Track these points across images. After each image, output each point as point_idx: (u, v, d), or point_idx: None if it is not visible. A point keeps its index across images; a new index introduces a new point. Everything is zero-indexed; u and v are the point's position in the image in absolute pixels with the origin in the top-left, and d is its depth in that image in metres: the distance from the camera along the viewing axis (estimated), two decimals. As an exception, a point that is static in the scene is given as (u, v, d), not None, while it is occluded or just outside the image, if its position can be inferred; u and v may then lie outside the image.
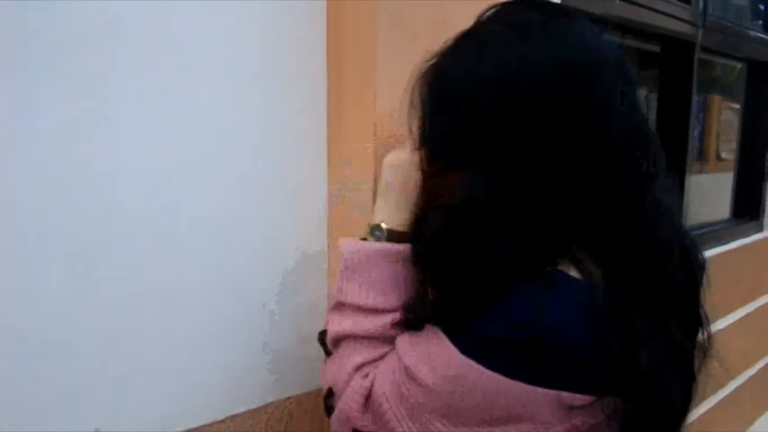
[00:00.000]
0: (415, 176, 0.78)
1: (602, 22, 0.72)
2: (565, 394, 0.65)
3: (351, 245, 0.80)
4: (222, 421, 0.95)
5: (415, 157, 0.77)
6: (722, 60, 2.82)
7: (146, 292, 0.86)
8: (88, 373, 0.82)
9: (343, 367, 0.78)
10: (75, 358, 0.80)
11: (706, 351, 0.75)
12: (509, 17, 0.72)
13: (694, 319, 0.75)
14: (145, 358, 0.87)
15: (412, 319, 0.75)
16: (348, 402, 0.75)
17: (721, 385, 2.59)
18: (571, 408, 0.66)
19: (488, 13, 0.74)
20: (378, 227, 0.80)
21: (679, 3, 2.14)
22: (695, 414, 2.42)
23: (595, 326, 0.65)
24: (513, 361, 0.66)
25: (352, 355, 0.78)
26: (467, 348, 0.67)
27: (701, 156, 2.92)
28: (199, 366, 0.93)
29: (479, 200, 0.68)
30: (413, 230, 0.78)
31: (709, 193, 2.86)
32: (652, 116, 2.35)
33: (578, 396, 0.65)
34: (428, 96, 0.73)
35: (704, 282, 0.75)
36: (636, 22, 1.94)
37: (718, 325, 2.51)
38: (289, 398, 1.02)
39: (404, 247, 0.78)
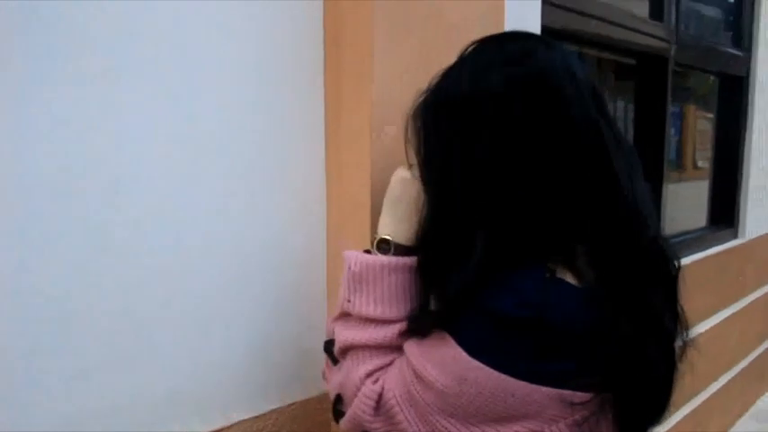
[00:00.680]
0: (421, 192, 0.81)
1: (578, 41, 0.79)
2: (566, 392, 0.70)
3: (359, 258, 0.84)
4: (229, 427, 0.99)
5: (416, 178, 0.82)
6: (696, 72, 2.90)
7: (149, 299, 0.90)
8: (98, 352, 0.86)
9: (354, 375, 0.82)
10: (86, 337, 0.84)
11: (685, 339, 0.80)
12: (488, 50, 0.80)
13: (673, 306, 0.79)
14: (148, 353, 0.90)
15: (418, 327, 0.79)
16: (360, 407, 0.79)
17: (699, 390, 2.65)
18: (572, 405, 0.70)
19: (469, 49, 0.81)
20: (385, 241, 0.84)
21: (652, 20, 2.22)
22: (676, 417, 2.47)
23: (594, 312, 0.70)
24: (518, 346, 0.70)
25: (363, 364, 0.82)
26: (472, 347, 0.72)
27: (679, 164, 2.98)
28: (200, 371, 0.96)
29: (448, 210, 0.76)
30: (418, 244, 0.82)
31: (687, 201, 2.93)
32: (630, 126, 2.42)
33: (578, 394, 0.70)
34: (421, 126, 0.80)
35: (680, 275, 0.80)
36: (611, 38, 2.01)
37: (695, 330, 2.58)
38: (292, 404, 1.07)
39: (410, 260, 0.82)
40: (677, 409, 2.47)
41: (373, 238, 0.87)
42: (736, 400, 3.03)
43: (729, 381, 2.91)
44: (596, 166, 0.74)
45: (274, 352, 1.05)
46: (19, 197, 0.77)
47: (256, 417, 1.02)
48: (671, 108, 2.42)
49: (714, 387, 2.78)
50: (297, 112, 1.06)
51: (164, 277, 0.91)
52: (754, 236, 3.06)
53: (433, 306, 0.81)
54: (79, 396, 0.84)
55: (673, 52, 2.32)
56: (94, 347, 0.85)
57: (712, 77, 3.01)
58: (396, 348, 0.81)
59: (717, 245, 2.76)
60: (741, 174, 2.97)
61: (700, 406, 2.62)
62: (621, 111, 2.44)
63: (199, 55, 0.93)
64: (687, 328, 0.80)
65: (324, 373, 1.08)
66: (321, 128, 1.09)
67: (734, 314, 2.90)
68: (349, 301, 0.84)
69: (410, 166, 0.85)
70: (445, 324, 0.76)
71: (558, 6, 1.66)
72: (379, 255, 0.84)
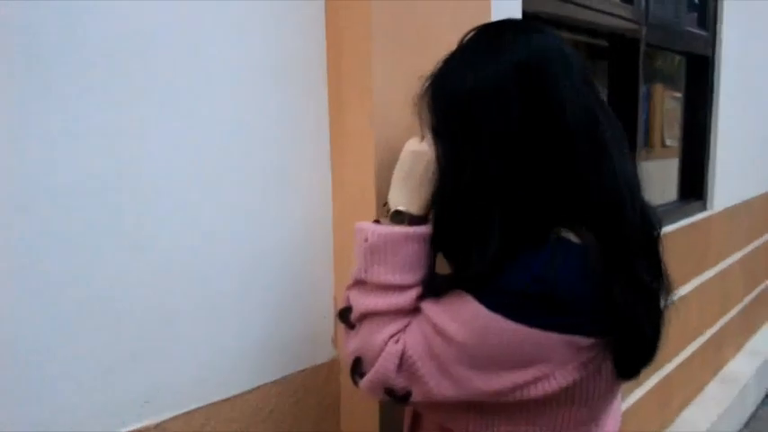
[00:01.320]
0: (433, 164, 0.86)
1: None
2: (575, 338, 0.77)
3: (376, 230, 0.88)
4: (244, 394, 1.06)
5: (428, 149, 0.87)
6: (663, 52, 2.97)
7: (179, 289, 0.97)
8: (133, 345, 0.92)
9: (377, 338, 0.87)
10: (120, 330, 0.91)
11: (668, 293, 0.87)
12: (488, 37, 0.87)
13: (657, 266, 0.87)
14: (177, 333, 0.97)
15: (436, 289, 0.86)
16: (384, 365, 0.85)
17: (670, 356, 2.76)
18: (579, 348, 0.78)
19: (469, 36, 0.88)
20: (399, 212, 0.89)
21: (623, 3, 2.30)
22: (649, 383, 2.58)
23: (594, 279, 0.77)
24: (532, 310, 0.76)
25: (385, 328, 0.87)
26: (491, 304, 0.77)
27: (648, 143, 3.06)
28: (222, 344, 1.03)
29: (467, 183, 0.81)
30: (434, 214, 0.88)
31: (656, 179, 2.97)
32: None
33: (585, 339, 0.77)
34: (433, 109, 0.86)
35: (661, 237, 0.88)
36: (584, 21, 2.09)
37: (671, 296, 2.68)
38: (303, 370, 1.15)
39: (425, 229, 0.87)
40: (649, 375, 2.56)
41: (386, 208, 0.92)
42: (705, 366, 3.14)
43: (699, 347, 3.02)
44: (593, 146, 0.81)
45: (287, 327, 1.12)
46: (56, 201, 0.83)
47: (273, 381, 1.10)
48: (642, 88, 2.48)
49: (684, 353, 2.88)
50: (303, 113, 1.12)
51: (186, 271, 0.97)
52: (722, 208, 3.17)
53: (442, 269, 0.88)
54: (115, 385, 0.91)
55: (643, 34, 2.39)
56: (126, 340, 0.92)
57: (678, 58, 3.07)
58: (411, 312, 0.87)
59: (687, 217, 2.85)
60: (709, 149, 3.06)
61: (671, 372, 2.73)
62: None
63: (211, 62, 0.98)
64: (671, 288, 0.88)
65: (333, 341, 1.17)
66: (326, 127, 1.16)
67: (704, 282, 3.00)
68: (366, 271, 0.88)
69: (421, 138, 0.90)
70: (465, 285, 0.81)
71: (535, -9, 1.73)
72: (393, 225, 0.89)
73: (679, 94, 3.15)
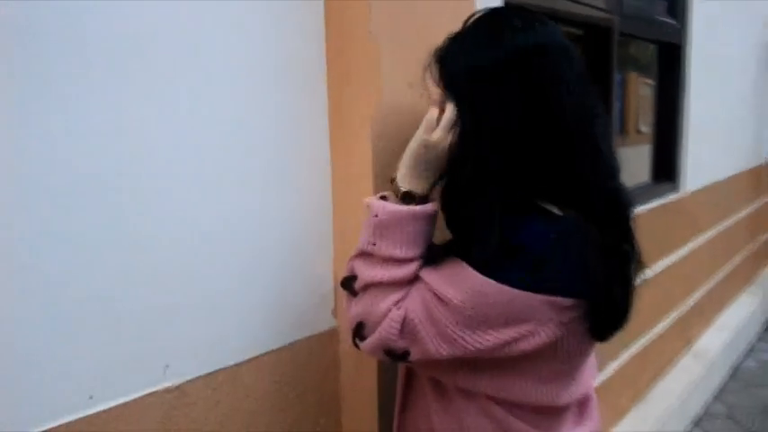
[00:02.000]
0: (441, 155, 0.94)
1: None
2: (557, 298, 0.86)
3: (386, 207, 0.95)
4: (254, 359, 1.15)
5: (442, 138, 0.94)
6: (637, 41, 3.01)
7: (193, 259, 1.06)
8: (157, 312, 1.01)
9: (381, 306, 0.94)
10: (143, 300, 0.99)
11: (639, 264, 0.96)
12: (486, 20, 0.95)
13: (631, 240, 0.96)
14: (189, 301, 1.06)
15: (433, 257, 0.95)
16: (387, 329, 0.93)
17: (643, 331, 2.86)
18: (561, 308, 0.87)
19: (474, 18, 0.96)
20: (408, 193, 0.96)
21: (597, -7, 2.38)
22: (623, 357, 2.66)
23: (575, 249, 0.87)
24: (519, 274, 0.85)
25: (388, 296, 0.94)
26: (485, 267, 0.87)
27: (623, 130, 3.10)
28: (235, 314, 1.12)
29: (469, 177, 0.91)
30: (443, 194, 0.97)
31: (630, 165, 3.05)
32: None
33: (565, 299, 0.86)
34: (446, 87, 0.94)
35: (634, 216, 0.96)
36: (561, 11, 2.16)
37: (644, 274, 2.76)
38: (307, 337, 1.25)
39: (429, 208, 0.96)
40: (623, 349, 2.67)
41: (395, 187, 0.98)
42: (677, 341, 3.24)
43: (671, 323, 3.11)
44: (588, 143, 0.90)
45: (292, 299, 1.22)
46: (56, 200, 0.88)
47: (280, 347, 1.20)
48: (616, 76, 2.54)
49: (657, 329, 2.98)
50: (303, 108, 1.19)
51: (205, 251, 1.07)
52: (692, 189, 3.26)
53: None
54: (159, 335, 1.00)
55: (616, 23, 2.45)
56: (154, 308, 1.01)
57: (652, 46, 3.13)
58: (411, 282, 0.95)
59: (659, 198, 2.94)
60: (680, 134, 3.14)
61: (642, 347, 2.82)
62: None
63: (210, 62, 1.04)
64: (642, 262, 0.96)
65: (333, 311, 1.26)
66: (325, 121, 1.24)
67: (676, 261, 3.10)
68: (374, 244, 0.96)
69: (433, 129, 0.95)
70: (459, 254, 0.91)
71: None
72: (401, 204, 0.96)
73: (653, 82, 3.21)
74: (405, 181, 0.97)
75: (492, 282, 0.86)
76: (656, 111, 3.20)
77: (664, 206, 2.95)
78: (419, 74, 0.98)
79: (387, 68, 1.16)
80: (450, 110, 0.93)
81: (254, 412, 1.16)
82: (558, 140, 0.89)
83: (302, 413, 1.25)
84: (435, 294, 0.91)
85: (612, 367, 2.55)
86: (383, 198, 1.00)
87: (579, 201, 0.91)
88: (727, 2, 3.53)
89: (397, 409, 1.14)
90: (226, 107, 1.07)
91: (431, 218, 0.97)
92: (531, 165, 0.90)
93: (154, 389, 1.01)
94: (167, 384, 1.03)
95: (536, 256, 0.86)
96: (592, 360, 1.07)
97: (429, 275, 0.93)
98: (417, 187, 0.97)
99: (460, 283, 0.89)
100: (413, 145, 0.97)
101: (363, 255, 0.99)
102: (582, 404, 1.07)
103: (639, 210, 2.63)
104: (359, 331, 0.99)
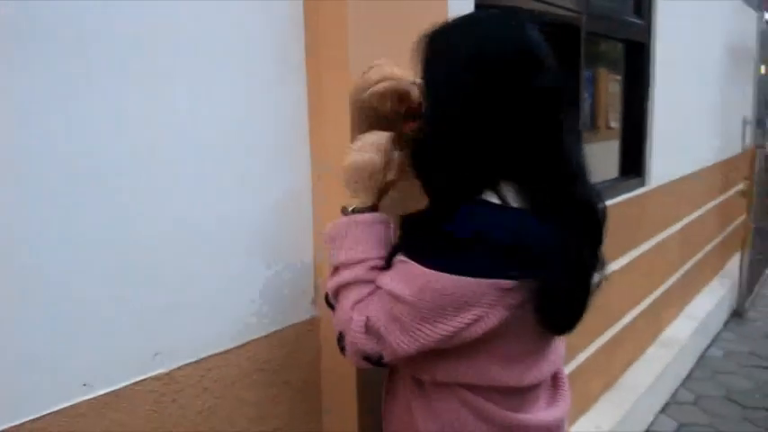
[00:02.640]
0: (375, 171, 1.05)
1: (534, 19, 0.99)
2: (501, 281, 0.90)
3: (331, 222, 1.07)
4: (240, 347, 1.21)
5: (373, 159, 1.05)
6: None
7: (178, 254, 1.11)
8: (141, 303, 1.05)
9: (345, 306, 1.02)
10: (128, 289, 1.03)
11: (602, 261, 1.03)
12: (480, 21, 1.01)
13: (595, 235, 1.01)
14: (176, 294, 1.11)
15: (385, 260, 1.03)
16: (353, 334, 1.00)
17: (612, 322, 2.93)
18: (504, 290, 0.91)
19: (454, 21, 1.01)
20: (345, 208, 1.07)
21: (565, -7, 2.44)
22: (592, 347, 2.71)
23: (517, 229, 0.91)
24: (462, 262, 0.90)
25: (348, 297, 1.03)
26: (428, 263, 0.92)
27: (593, 125, 3.16)
28: (220, 305, 1.17)
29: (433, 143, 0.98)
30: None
31: (601, 160, 3.12)
32: None
33: (508, 282, 0.90)
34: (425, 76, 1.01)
35: (602, 209, 1.01)
36: (531, 11, 2.20)
37: (613, 266, 2.85)
38: (292, 325, 1.30)
39: (365, 216, 1.05)
40: (593, 339, 2.75)
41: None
42: (645, 331, 3.31)
43: (640, 313, 3.19)
44: (549, 123, 0.95)
45: (274, 290, 1.27)
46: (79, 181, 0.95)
47: (265, 335, 1.25)
48: (584, 72, 2.60)
49: (625, 320, 3.05)
50: (283, 104, 1.24)
51: (187, 245, 1.11)
52: (658, 184, 3.33)
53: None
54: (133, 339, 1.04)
55: (584, 22, 2.51)
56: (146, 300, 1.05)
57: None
58: (369, 281, 1.02)
59: (626, 192, 3.00)
60: (646, 130, 3.21)
61: (613, 337, 2.89)
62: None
63: (199, 57, 1.08)
64: (603, 264, 1.03)
65: (313, 301, 1.31)
66: (305, 118, 1.29)
67: (643, 253, 3.16)
68: (331, 256, 1.06)
69: (365, 149, 1.06)
70: (407, 252, 0.97)
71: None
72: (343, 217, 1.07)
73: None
74: (347, 197, 1.09)
75: (437, 273, 0.91)
76: (623, 108, 3.27)
77: (632, 200, 3.01)
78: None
79: (361, 58, 1.19)
80: (378, 134, 1.06)
81: (240, 398, 1.21)
82: (525, 136, 0.94)
83: (286, 398, 1.30)
84: (391, 294, 0.96)
85: (583, 356, 2.62)
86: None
87: (542, 193, 0.95)
88: (692, 1, 3.61)
89: (383, 395, 1.21)
90: (205, 104, 1.11)
91: (372, 225, 1.05)
92: (494, 157, 0.95)
93: (144, 376, 1.06)
94: (157, 372, 1.07)
95: (480, 249, 0.90)
96: (559, 341, 1.12)
97: (383, 279, 1.00)
98: (354, 202, 1.08)
99: (411, 278, 0.94)
100: (345, 165, 1.07)
101: (333, 270, 1.08)
102: (555, 384, 1.14)
103: (608, 203, 2.71)
104: (339, 341, 1.05)
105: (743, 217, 4.94)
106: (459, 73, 0.95)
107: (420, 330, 0.94)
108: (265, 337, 1.25)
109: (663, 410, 3.28)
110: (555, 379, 1.15)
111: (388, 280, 0.98)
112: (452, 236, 0.91)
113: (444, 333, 0.93)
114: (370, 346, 0.99)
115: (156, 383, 1.07)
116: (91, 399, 0.99)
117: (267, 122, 1.23)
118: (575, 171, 0.98)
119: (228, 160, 1.16)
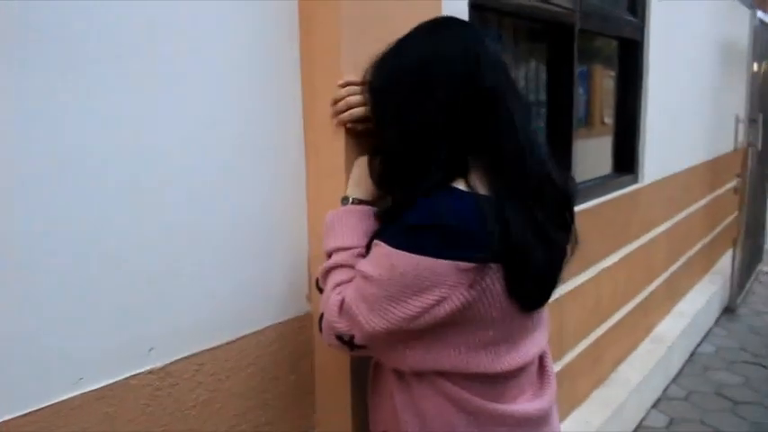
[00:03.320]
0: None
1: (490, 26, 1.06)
2: (460, 263, 0.93)
3: (330, 211, 1.15)
4: (234, 341, 1.22)
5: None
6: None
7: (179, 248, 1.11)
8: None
9: (328, 288, 1.09)
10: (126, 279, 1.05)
11: (574, 240, 1.08)
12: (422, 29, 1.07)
13: (562, 216, 1.07)
14: (178, 291, 1.12)
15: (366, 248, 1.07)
16: (329, 313, 1.05)
17: (604, 319, 2.96)
18: (464, 271, 0.94)
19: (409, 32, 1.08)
20: (345, 198, 1.16)
21: (559, -9, 2.46)
22: (584, 343, 2.73)
23: (478, 215, 0.95)
24: (424, 242, 0.94)
25: (332, 279, 1.09)
26: (394, 243, 0.97)
27: (587, 122, 3.16)
28: (214, 300, 1.18)
29: (398, 146, 1.04)
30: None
31: (596, 155, 3.14)
32: (542, 86, 2.64)
33: (468, 264, 0.93)
34: (374, 86, 1.09)
35: (573, 193, 1.08)
36: (524, 8, 2.25)
37: (605, 263, 2.88)
38: (286, 321, 1.31)
39: (361, 207, 1.13)
40: (584, 336, 2.78)
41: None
42: (636, 327, 3.34)
43: (630, 310, 3.21)
44: (499, 115, 1.00)
45: (269, 286, 1.28)
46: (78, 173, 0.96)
47: (260, 330, 1.27)
48: (579, 68, 2.63)
49: (618, 316, 3.07)
50: (279, 105, 1.26)
51: (184, 240, 1.12)
52: (651, 180, 3.36)
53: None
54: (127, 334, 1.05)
55: (577, 19, 2.54)
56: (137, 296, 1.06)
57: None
58: (353, 267, 1.06)
59: (620, 189, 3.02)
60: (639, 127, 3.24)
61: (605, 333, 2.91)
62: (534, 71, 2.62)
63: (193, 58, 1.10)
64: (576, 240, 1.09)
65: (307, 297, 1.33)
66: (300, 118, 1.30)
67: (636, 249, 3.19)
68: (325, 244, 1.14)
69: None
70: (378, 236, 1.02)
71: (481, -16, 1.88)
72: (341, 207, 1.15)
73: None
74: (348, 189, 1.19)
75: (401, 252, 0.96)
76: (617, 106, 3.29)
77: (624, 196, 3.04)
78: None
79: (353, 59, 1.20)
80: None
81: (234, 392, 1.22)
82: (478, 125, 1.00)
83: (279, 393, 1.31)
84: (362, 275, 1.01)
85: (573, 354, 2.63)
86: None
87: (504, 175, 1.00)
88: (685, 0, 3.63)
89: (369, 390, 1.23)
90: (199, 103, 1.12)
91: (366, 216, 1.13)
92: (453, 146, 1.01)
93: (139, 370, 1.06)
94: (152, 366, 1.08)
95: (437, 223, 0.95)
96: (540, 329, 1.14)
97: (360, 264, 1.04)
98: (355, 193, 1.17)
99: (377, 259, 1.00)
100: (356, 161, 1.19)
101: (325, 257, 1.14)
102: (541, 375, 1.15)
103: (602, 200, 2.77)
104: (320, 321, 1.10)
105: (735, 214, 4.96)
106: (399, 75, 1.04)
107: (386, 309, 0.98)
108: (259, 332, 1.26)
109: (654, 406, 3.30)
110: (541, 370, 1.16)
111: (363, 262, 1.03)
112: (413, 223, 0.97)
113: (409, 313, 0.96)
114: (341, 324, 1.03)
115: (150, 378, 1.08)
116: (86, 393, 1.00)
117: (262, 121, 1.23)
118: (523, 145, 1.01)
119: (223, 158, 1.17)
